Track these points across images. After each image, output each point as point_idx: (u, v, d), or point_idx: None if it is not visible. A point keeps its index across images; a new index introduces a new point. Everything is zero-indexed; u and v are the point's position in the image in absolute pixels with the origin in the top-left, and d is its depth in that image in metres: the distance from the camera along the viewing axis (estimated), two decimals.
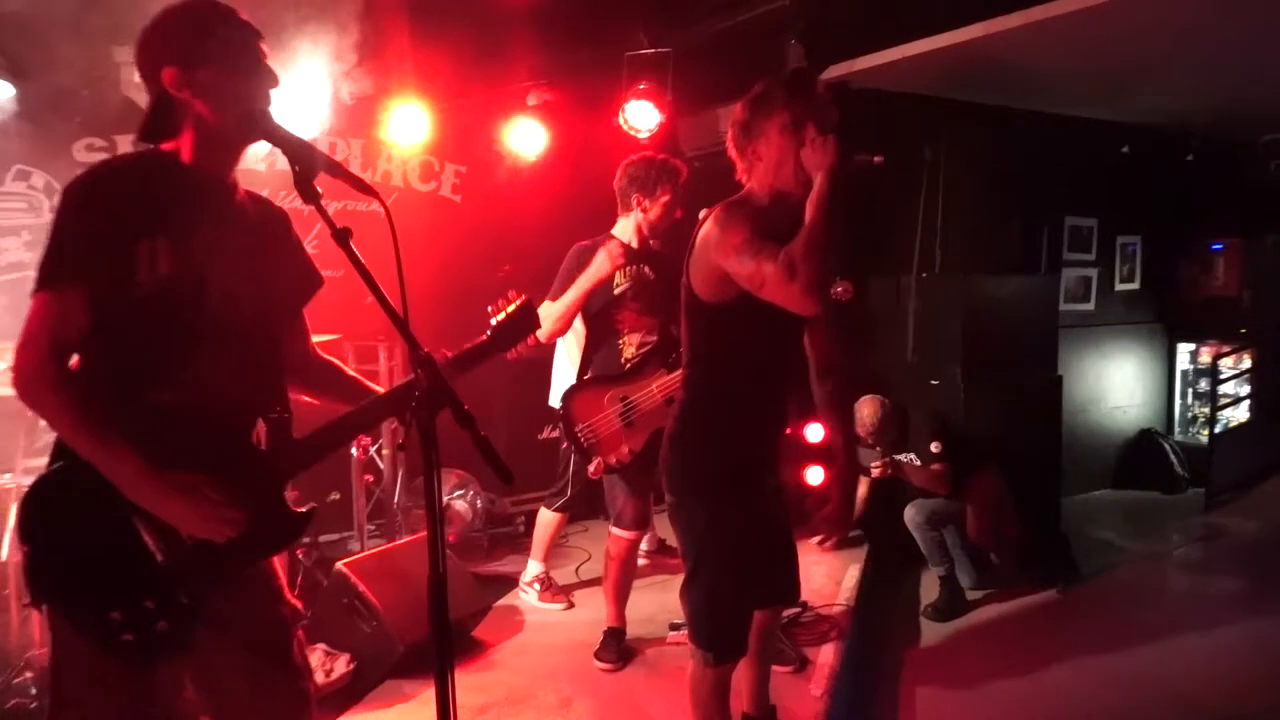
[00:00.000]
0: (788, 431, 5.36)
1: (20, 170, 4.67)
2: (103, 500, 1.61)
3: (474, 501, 5.25)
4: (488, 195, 5.71)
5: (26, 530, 1.64)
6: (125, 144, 4.85)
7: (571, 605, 4.32)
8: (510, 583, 4.52)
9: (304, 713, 1.89)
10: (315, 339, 2.06)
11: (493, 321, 1.93)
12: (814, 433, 5.48)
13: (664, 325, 3.66)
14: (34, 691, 3.19)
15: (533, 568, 4.39)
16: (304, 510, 1.86)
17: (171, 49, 1.69)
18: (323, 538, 4.65)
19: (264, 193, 1.93)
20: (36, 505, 1.65)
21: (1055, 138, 6.16)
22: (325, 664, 3.58)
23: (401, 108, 5.13)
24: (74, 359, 1.66)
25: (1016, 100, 5.70)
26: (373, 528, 4.94)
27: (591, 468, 3.49)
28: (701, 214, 3.67)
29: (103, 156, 4.79)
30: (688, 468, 2.41)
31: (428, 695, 3.39)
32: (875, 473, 4.61)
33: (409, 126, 5.19)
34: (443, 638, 1.45)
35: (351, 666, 3.57)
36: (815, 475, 5.43)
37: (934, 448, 4.60)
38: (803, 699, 3.36)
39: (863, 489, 4.71)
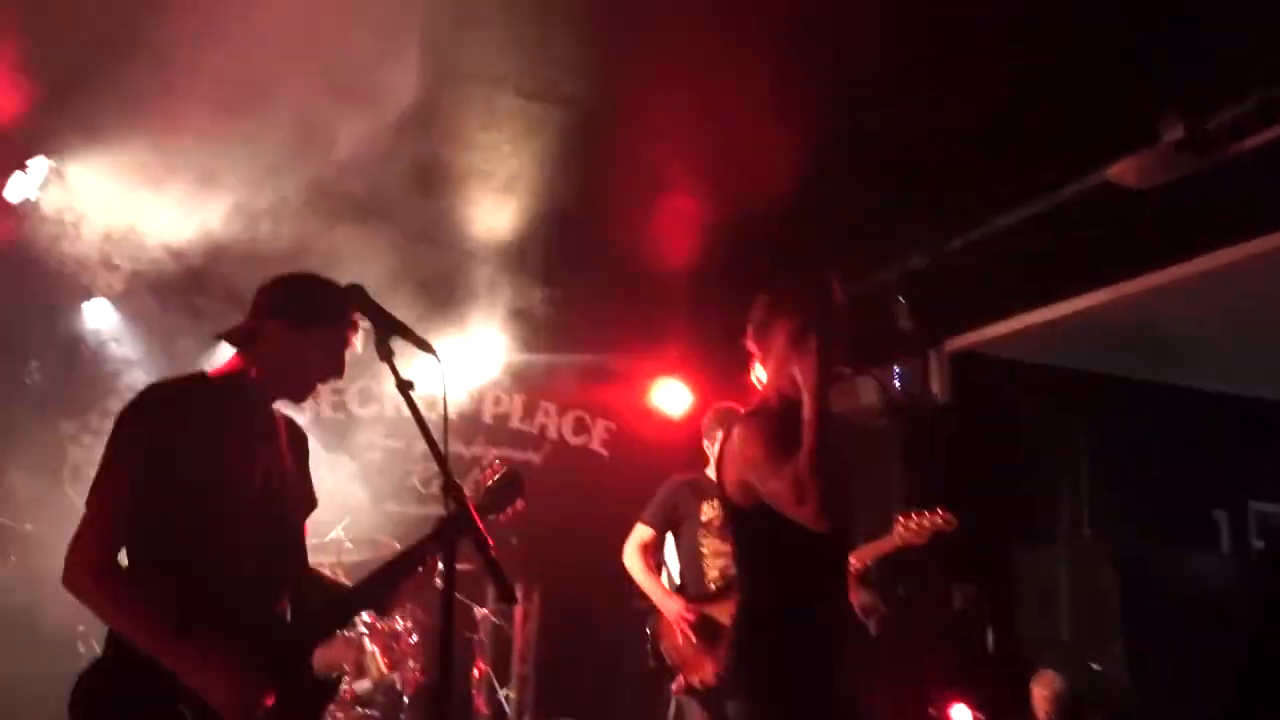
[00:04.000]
0: (930, 711, 5.05)
1: None
2: (148, 688, 1.68)
3: None
4: (635, 450, 6.07)
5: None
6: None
7: None
8: None
9: None
10: None
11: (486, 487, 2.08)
12: (959, 714, 5.04)
13: None
14: None
15: None
16: (330, 677, 2.01)
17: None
18: None
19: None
20: (83, 697, 1.73)
21: (1227, 416, 5.88)
22: None
23: (557, 367, 5.80)
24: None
25: (1170, 374, 5.56)
26: None
27: (674, 686, 3.54)
28: (706, 419, 3.76)
29: None
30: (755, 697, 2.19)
31: None
32: None
33: (565, 386, 5.83)
34: None
35: None
36: None
37: None
38: None
39: None
